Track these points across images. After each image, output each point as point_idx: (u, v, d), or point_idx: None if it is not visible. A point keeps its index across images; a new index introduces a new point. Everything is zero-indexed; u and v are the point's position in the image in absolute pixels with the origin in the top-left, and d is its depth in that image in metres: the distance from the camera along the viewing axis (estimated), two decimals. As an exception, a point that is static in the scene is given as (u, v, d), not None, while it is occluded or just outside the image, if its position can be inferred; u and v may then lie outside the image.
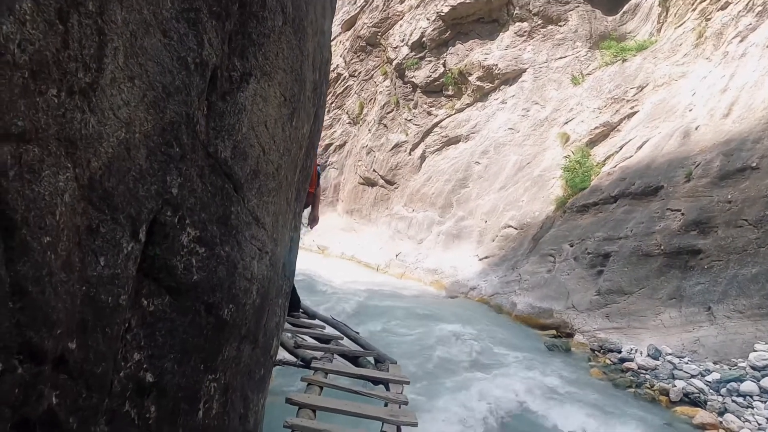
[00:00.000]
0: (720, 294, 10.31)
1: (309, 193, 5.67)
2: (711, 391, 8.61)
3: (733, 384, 8.50)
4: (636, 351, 10.37)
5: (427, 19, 22.83)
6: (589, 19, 20.17)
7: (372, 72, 26.26)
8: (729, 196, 11.37)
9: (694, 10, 16.65)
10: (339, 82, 27.36)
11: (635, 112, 16.60)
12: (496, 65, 21.04)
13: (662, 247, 11.73)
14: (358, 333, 7.09)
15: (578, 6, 20.47)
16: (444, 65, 22.74)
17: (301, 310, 7.69)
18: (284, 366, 5.36)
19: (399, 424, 3.86)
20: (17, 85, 1.05)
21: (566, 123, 18.48)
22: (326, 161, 27.16)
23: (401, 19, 24.51)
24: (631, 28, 19.81)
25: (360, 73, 26.76)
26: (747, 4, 14.54)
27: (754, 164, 11.36)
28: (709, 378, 8.94)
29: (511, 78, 21.06)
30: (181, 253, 1.77)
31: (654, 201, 12.87)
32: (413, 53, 23.33)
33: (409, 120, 23.60)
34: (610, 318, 11.60)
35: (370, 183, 24.54)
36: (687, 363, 9.53)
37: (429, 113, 23.14)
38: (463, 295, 15.85)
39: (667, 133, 14.30)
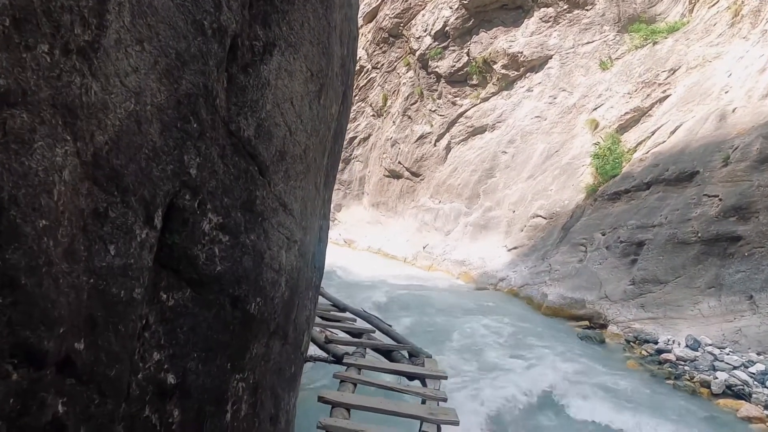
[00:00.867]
0: (762, 282, 9.97)
1: None
2: (756, 383, 8.29)
3: (780, 376, 8.19)
4: (673, 342, 10.08)
5: (450, 8, 22.52)
6: (616, 2, 19.67)
7: (395, 63, 26.03)
8: (771, 180, 10.94)
9: (728, -13, 16.08)
10: (362, 74, 27.15)
11: (667, 96, 16.12)
12: (521, 52, 20.69)
13: (699, 235, 11.36)
14: (390, 326, 6.97)
15: (605, -11, 19.98)
16: (468, 54, 22.43)
17: (330, 303, 7.61)
18: (315, 362, 5.26)
19: (440, 423, 3.68)
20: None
21: (595, 109, 18.09)
22: (351, 154, 27.08)
23: (423, 8, 24.23)
24: (661, 9, 19.25)
25: (383, 65, 26.55)
26: (786, -20, 14.00)
27: (797, 146, 10.94)
28: (752, 369, 8.62)
29: (536, 65, 20.70)
30: (202, 242, 1.60)
31: (689, 187, 12.48)
32: (436, 43, 23.05)
33: (434, 111, 23.37)
34: (645, 308, 11.29)
35: (395, 175, 24.40)
36: (728, 354, 9.21)
37: (453, 103, 22.88)
38: (492, 287, 15.66)
39: (701, 117, 13.85)
